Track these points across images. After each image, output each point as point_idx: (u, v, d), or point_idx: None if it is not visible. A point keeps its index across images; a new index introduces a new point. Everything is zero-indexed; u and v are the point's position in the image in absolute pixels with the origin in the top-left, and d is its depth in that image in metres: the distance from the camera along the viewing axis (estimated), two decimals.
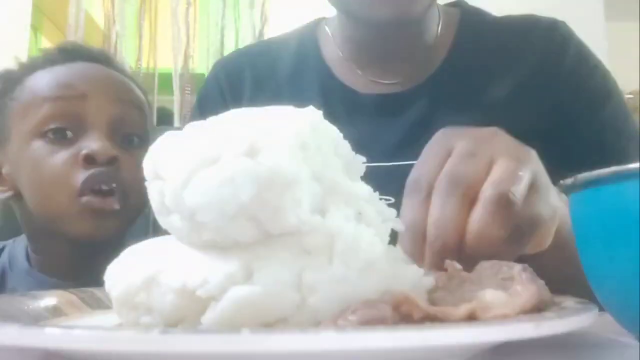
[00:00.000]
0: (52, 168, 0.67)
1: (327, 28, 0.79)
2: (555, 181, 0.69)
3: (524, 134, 0.67)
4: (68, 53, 0.75)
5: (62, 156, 0.67)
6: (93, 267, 0.72)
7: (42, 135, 0.68)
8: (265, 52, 0.81)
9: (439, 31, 0.73)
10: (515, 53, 0.71)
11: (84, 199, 0.66)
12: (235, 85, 0.78)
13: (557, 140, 0.68)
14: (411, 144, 0.66)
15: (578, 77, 0.70)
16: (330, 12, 0.78)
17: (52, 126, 0.68)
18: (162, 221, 0.35)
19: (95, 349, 0.24)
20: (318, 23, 0.82)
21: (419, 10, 0.64)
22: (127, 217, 0.72)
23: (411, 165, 0.65)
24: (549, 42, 0.72)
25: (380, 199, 0.65)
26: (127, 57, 2.71)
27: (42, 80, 0.71)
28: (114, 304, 0.34)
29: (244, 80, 0.78)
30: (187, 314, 0.31)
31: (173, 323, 0.31)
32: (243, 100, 0.77)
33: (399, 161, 0.66)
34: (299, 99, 0.73)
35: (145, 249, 0.35)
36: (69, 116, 0.68)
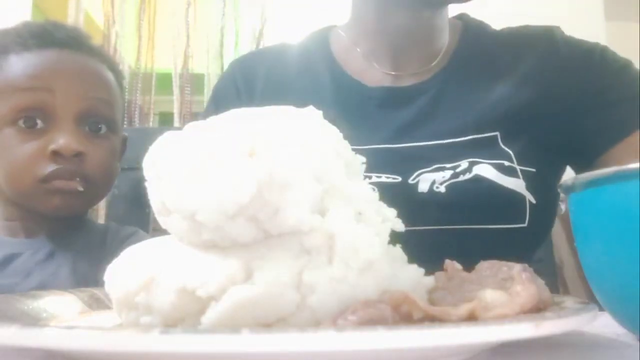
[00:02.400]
0: (21, 157, 0.71)
1: (340, 31, 0.85)
2: (595, 153, 0.69)
3: (530, 125, 0.69)
4: (39, 39, 0.76)
5: (31, 146, 0.71)
6: (55, 229, 0.76)
7: (13, 123, 0.72)
8: (279, 51, 0.87)
9: (446, 37, 0.79)
10: (514, 55, 0.76)
11: (48, 185, 0.71)
12: (249, 80, 0.83)
13: (584, 124, 0.71)
14: (415, 129, 0.71)
15: (594, 62, 0.73)
16: (332, 19, 0.85)
17: (23, 114, 0.71)
18: (162, 221, 0.35)
19: (95, 349, 0.24)
20: (329, 28, 0.88)
21: None
22: (91, 197, 0.78)
23: (414, 147, 0.68)
24: (548, 42, 0.76)
25: (387, 177, 0.67)
26: (127, 57, 2.71)
27: (13, 68, 0.74)
28: (114, 304, 0.34)
29: (257, 76, 0.83)
30: (187, 314, 0.31)
31: (173, 323, 0.31)
32: (256, 95, 0.81)
33: (404, 144, 0.71)
34: (310, 93, 0.77)
35: (145, 249, 0.35)
36: (39, 108, 0.72)
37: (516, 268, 0.34)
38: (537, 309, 0.31)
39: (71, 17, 2.59)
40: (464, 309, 0.29)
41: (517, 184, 0.66)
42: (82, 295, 0.46)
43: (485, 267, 0.36)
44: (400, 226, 0.37)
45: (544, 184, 0.69)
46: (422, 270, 0.35)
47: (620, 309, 0.36)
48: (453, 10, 0.78)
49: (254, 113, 0.35)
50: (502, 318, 0.28)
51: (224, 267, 0.30)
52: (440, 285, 0.35)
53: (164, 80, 2.68)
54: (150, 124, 2.74)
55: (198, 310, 0.30)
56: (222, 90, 0.86)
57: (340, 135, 0.38)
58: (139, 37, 2.72)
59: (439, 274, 0.36)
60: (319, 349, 0.23)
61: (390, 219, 0.36)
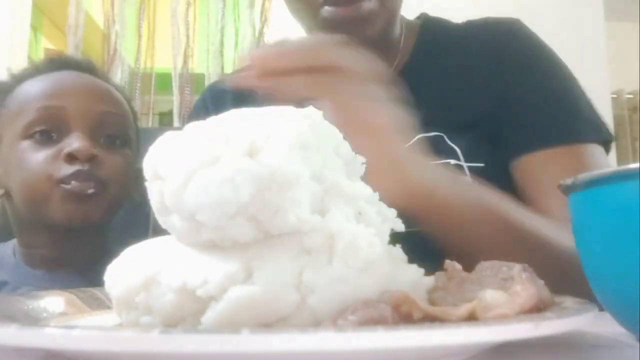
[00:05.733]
0: (36, 162, 0.72)
1: None
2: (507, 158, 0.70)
3: (476, 121, 0.70)
4: (55, 62, 0.81)
5: (46, 153, 0.73)
6: (76, 257, 0.76)
7: (29, 136, 0.74)
8: None
9: (402, 41, 0.79)
10: (468, 50, 0.76)
11: (65, 186, 0.72)
12: (218, 104, 0.84)
13: (509, 121, 0.71)
14: None
15: (524, 58, 0.74)
16: None
17: (38, 129, 0.74)
18: (162, 221, 0.35)
19: (95, 349, 0.24)
20: None
21: (374, 33, 0.69)
22: (106, 205, 0.76)
23: None
24: (496, 34, 0.76)
25: None
26: (127, 57, 2.71)
27: (30, 89, 0.77)
28: (114, 304, 0.34)
29: (226, 98, 0.84)
30: (187, 314, 0.31)
31: (173, 323, 0.31)
32: None
33: None
34: None
35: (145, 249, 0.35)
36: (53, 121, 0.74)
37: (516, 268, 0.34)
38: (537, 309, 0.31)
39: (71, 17, 2.59)
40: (464, 309, 0.29)
41: None
42: (82, 295, 0.46)
43: (486, 267, 0.36)
44: (400, 226, 0.37)
45: (494, 179, 0.68)
46: (422, 270, 0.35)
47: (620, 309, 0.36)
48: (411, 11, 0.79)
49: (254, 113, 0.35)
50: (502, 318, 0.28)
51: (224, 267, 0.30)
52: (440, 285, 0.35)
53: (164, 80, 2.68)
54: (150, 124, 2.74)
55: (198, 310, 0.30)
56: (195, 116, 0.86)
57: (341, 135, 0.38)
58: (139, 37, 2.72)
59: (439, 274, 0.36)
60: (319, 349, 0.23)
61: (390, 219, 0.36)
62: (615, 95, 3.38)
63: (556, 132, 0.69)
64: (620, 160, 2.88)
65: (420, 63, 0.77)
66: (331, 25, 0.68)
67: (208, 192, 0.30)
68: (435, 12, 0.84)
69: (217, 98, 0.86)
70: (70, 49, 2.55)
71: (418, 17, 0.84)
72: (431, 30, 0.80)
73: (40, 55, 3.18)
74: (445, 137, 0.69)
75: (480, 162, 0.68)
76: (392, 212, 0.37)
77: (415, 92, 0.74)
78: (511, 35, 0.75)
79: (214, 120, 0.35)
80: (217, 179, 0.31)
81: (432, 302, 0.32)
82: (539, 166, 0.68)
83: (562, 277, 0.38)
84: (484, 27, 0.78)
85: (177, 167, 0.32)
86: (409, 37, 0.80)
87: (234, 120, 0.35)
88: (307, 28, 0.75)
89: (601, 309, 0.34)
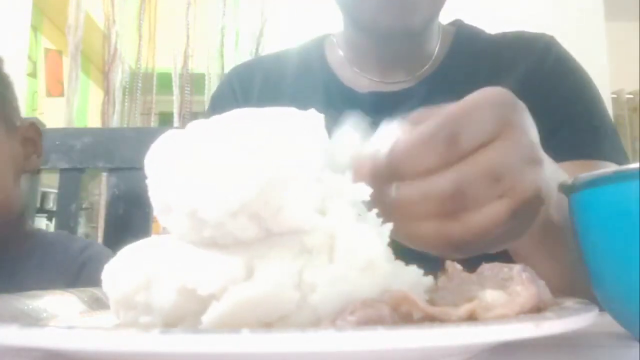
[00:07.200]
0: None
1: (333, 38, 0.87)
2: None
3: None
4: None
5: None
6: None
7: None
8: (275, 59, 0.89)
9: (437, 44, 0.80)
10: (502, 61, 0.77)
11: None
12: (246, 87, 0.84)
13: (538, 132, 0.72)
14: None
15: (554, 78, 0.75)
16: (332, 19, 0.86)
17: None
18: (163, 220, 0.35)
19: (95, 349, 0.24)
20: (326, 35, 0.89)
21: (419, 23, 0.70)
22: None
23: None
24: (532, 49, 0.78)
25: None
26: (127, 57, 2.71)
27: None
28: (112, 304, 0.34)
29: (254, 82, 0.84)
30: (187, 313, 0.31)
31: (173, 322, 0.31)
32: (252, 101, 0.82)
33: None
34: (303, 99, 0.77)
35: (144, 247, 0.35)
36: None
37: (516, 268, 0.34)
38: (537, 309, 0.31)
39: (71, 17, 2.59)
40: (464, 309, 0.29)
41: None
42: (82, 295, 0.46)
43: (486, 267, 0.36)
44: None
45: None
46: (422, 270, 0.35)
47: (620, 309, 0.36)
48: (447, 16, 0.79)
49: (257, 113, 0.35)
50: (502, 318, 0.28)
51: (225, 265, 0.30)
52: (440, 285, 0.35)
53: (164, 80, 2.68)
54: (151, 123, 2.74)
55: (199, 310, 0.30)
56: (220, 97, 0.87)
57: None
58: (139, 37, 2.72)
59: (439, 274, 0.36)
60: (319, 349, 0.23)
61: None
62: (615, 95, 3.38)
63: (585, 149, 0.70)
64: None
65: (453, 69, 0.77)
66: (382, 10, 0.67)
67: (211, 188, 0.30)
68: None
69: (245, 81, 0.85)
70: (70, 49, 2.55)
71: (452, 23, 0.84)
72: (466, 38, 0.81)
73: (40, 55, 3.18)
74: None
75: None
76: None
77: (446, 98, 0.75)
78: (546, 52, 0.77)
79: (216, 118, 0.35)
80: (220, 175, 0.31)
81: (432, 302, 0.32)
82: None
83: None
84: (519, 42, 0.79)
85: (180, 163, 0.32)
86: (444, 41, 0.81)
87: (237, 119, 0.35)
88: (349, 13, 0.75)
89: (601, 309, 0.34)
